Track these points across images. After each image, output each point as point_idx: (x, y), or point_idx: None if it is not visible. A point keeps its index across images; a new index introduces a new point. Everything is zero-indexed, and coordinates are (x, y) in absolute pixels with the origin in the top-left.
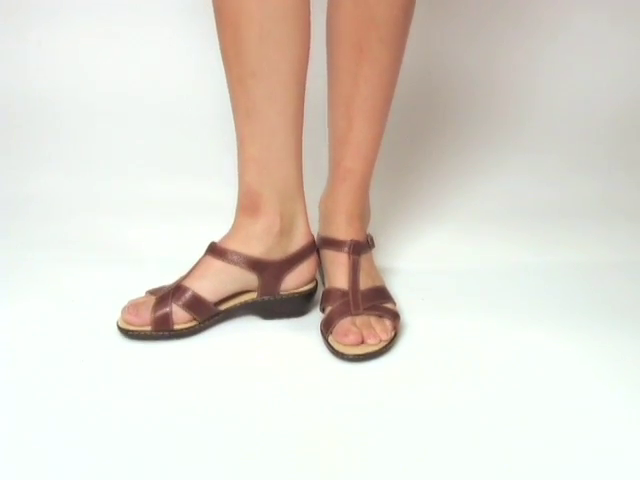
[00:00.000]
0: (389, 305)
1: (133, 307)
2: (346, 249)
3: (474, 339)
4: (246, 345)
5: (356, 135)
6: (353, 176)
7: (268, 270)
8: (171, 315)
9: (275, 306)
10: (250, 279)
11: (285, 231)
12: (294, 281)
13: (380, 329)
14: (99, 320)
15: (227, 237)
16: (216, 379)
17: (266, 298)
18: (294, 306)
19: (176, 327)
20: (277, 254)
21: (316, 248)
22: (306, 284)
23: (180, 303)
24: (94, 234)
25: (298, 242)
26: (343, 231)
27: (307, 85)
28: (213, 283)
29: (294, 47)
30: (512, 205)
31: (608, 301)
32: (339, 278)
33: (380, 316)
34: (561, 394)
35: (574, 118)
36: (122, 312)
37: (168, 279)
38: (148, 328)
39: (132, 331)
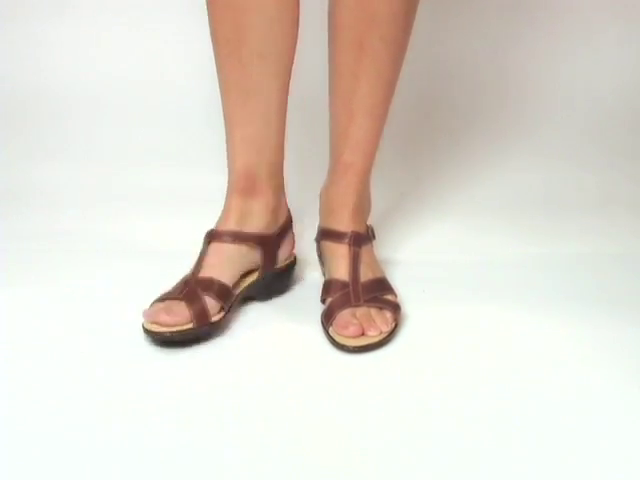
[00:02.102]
0: (390, 297)
1: (163, 310)
2: (347, 240)
3: (474, 330)
4: (246, 337)
5: (356, 130)
6: (353, 170)
7: (269, 245)
8: (207, 307)
9: (273, 283)
10: (256, 256)
11: (276, 207)
12: (283, 255)
13: (380, 321)
14: (99, 312)
15: (224, 220)
16: (217, 371)
17: (266, 275)
18: (282, 282)
19: (213, 320)
20: (272, 229)
21: (291, 220)
22: (289, 258)
23: (212, 294)
24: (94, 226)
25: (283, 215)
26: (343, 223)
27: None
28: (228, 267)
29: (287, 27)
30: (513, 198)
31: (608, 292)
32: (339, 270)
33: (381, 308)
34: (561, 383)
35: (575, 113)
36: (148, 317)
37: (169, 271)
38: (190, 325)
39: (174, 332)
